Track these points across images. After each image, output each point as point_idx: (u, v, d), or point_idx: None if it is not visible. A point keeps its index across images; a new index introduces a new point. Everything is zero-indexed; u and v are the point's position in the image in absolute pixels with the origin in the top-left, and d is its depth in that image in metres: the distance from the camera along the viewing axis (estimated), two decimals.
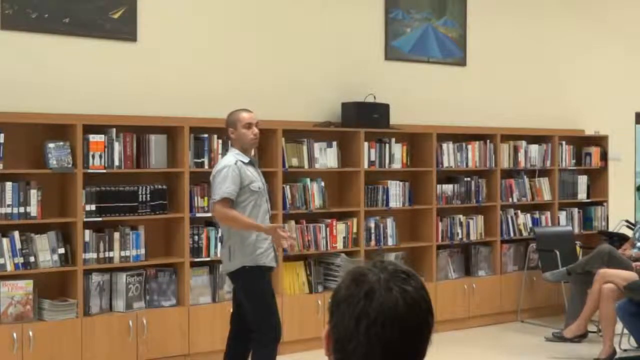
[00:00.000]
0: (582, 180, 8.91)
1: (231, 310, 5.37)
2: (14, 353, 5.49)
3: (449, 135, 7.87)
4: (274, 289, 5.31)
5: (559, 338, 7.14)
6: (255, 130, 5.20)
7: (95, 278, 5.92)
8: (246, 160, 5.11)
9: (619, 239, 8.20)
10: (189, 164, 6.27)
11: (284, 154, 6.73)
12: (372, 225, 7.29)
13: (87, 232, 5.85)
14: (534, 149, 8.47)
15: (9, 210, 5.58)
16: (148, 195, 6.12)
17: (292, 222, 6.81)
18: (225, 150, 6.45)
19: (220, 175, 5.00)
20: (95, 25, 6.15)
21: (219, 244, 6.41)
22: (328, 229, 7.00)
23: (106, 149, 5.94)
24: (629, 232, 8.37)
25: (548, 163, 8.57)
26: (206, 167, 6.40)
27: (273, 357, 5.12)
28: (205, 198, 6.39)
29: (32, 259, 5.66)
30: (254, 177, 5.13)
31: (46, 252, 5.71)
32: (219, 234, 6.40)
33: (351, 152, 7.18)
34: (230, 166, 5.00)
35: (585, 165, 8.94)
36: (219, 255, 6.25)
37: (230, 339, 5.30)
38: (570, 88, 9.05)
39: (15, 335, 5.49)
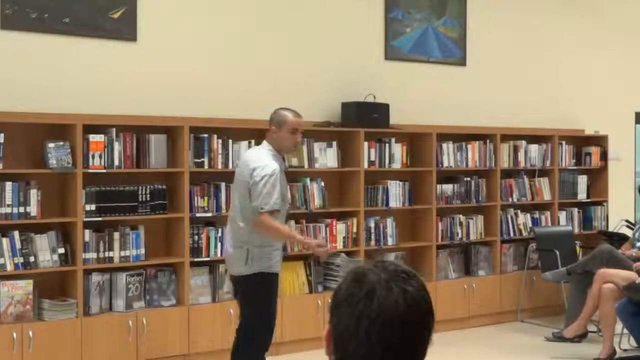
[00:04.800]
0: (582, 180, 8.91)
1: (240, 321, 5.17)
2: (14, 353, 5.49)
3: (449, 135, 7.87)
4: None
5: (559, 338, 7.15)
6: (299, 138, 5.07)
7: (95, 278, 5.92)
8: (283, 167, 5.01)
9: (618, 239, 8.19)
10: (188, 164, 6.27)
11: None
12: (372, 225, 7.29)
13: (87, 232, 5.85)
14: (534, 148, 8.47)
15: (9, 210, 5.58)
16: (148, 195, 6.12)
17: (292, 222, 6.81)
18: (225, 149, 6.46)
19: (270, 182, 4.79)
20: (95, 25, 6.15)
21: (219, 244, 6.41)
22: (328, 229, 7.00)
23: (106, 149, 5.94)
24: (628, 232, 8.37)
25: (548, 163, 8.57)
26: (206, 167, 6.40)
27: None
28: (205, 198, 6.39)
29: (32, 258, 5.66)
30: (287, 186, 5.08)
31: (46, 252, 5.71)
32: (219, 234, 6.40)
33: (351, 152, 7.18)
34: (277, 174, 4.82)
35: (585, 165, 8.94)
36: (223, 253, 6.20)
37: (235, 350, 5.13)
38: (570, 88, 9.05)
39: (15, 335, 5.49)
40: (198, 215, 6.36)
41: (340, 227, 7.08)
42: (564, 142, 8.73)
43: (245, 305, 5.04)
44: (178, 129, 6.28)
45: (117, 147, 5.99)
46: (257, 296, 4.96)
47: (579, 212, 8.86)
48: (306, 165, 6.92)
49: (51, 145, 5.74)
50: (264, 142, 5.07)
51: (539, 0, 8.84)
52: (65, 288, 5.91)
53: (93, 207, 5.89)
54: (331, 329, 1.59)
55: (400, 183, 7.48)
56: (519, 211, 8.38)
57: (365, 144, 7.18)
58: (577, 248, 8.43)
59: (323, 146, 7.03)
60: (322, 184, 7.01)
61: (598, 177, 9.02)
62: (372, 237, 7.29)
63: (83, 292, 5.82)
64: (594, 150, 8.92)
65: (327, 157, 7.05)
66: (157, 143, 6.19)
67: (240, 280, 5.02)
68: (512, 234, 8.29)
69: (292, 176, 6.83)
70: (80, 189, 5.80)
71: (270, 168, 4.82)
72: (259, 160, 4.91)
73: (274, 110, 5.10)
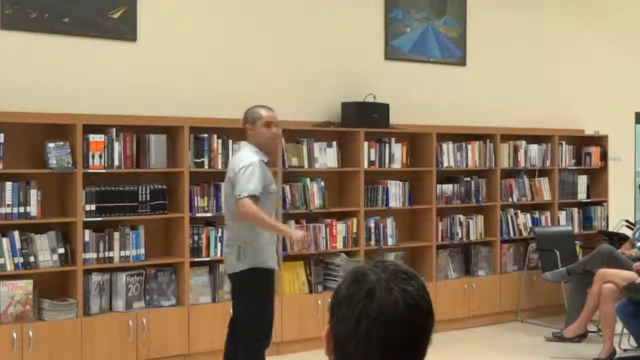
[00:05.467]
0: (582, 180, 8.91)
1: (231, 315, 5.28)
2: (14, 353, 5.49)
3: (449, 135, 7.87)
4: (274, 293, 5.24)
5: (559, 338, 7.14)
6: (274, 129, 5.10)
7: (95, 278, 5.92)
8: (265, 159, 5.06)
9: (618, 239, 8.19)
10: (188, 163, 6.27)
11: (283, 153, 6.73)
12: (372, 225, 7.29)
13: (87, 232, 5.85)
14: (534, 148, 8.47)
15: (9, 210, 5.58)
16: (148, 195, 6.12)
17: (292, 222, 6.81)
18: (225, 149, 6.47)
19: (248, 171, 4.88)
20: (95, 25, 6.15)
21: (219, 244, 6.41)
22: (328, 228, 7.00)
23: (106, 149, 5.94)
24: (628, 232, 8.37)
25: (548, 163, 8.57)
26: (206, 167, 6.40)
27: None
28: (205, 198, 6.40)
29: (32, 258, 5.66)
30: (272, 179, 5.11)
31: (46, 252, 5.71)
32: (219, 234, 6.40)
33: (351, 152, 7.18)
34: (257, 164, 4.90)
35: (585, 165, 8.94)
36: (222, 254, 6.20)
37: (230, 346, 5.18)
38: (570, 88, 9.05)
39: (15, 335, 5.49)
40: (198, 215, 6.36)
41: (340, 227, 7.08)
42: (564, 142, 8.73)
43: (242, 303, 5.06)
44: (178, 129, 6.28)
45: (117, 147, 5.99)
46: (252, 292, 4.99)
47: (579, 212, 8.86)
48: (306, 165, 6.92)
49: (51, 145, 5.74)
50: (245, 143, 5.23)
51: (539, 0, 8.84)
52: (65, 288, 5.91)
53: (93, 207, 5.89)
54: (331, 329, 1.59)
55: (400, 183, 7.48)
56: (519, 211, 8.38)
57: (365, 144, 7.18)
58: (577, 248, 8.43)
59: (323, 146, 7.04)
60: (322, 184, 7.01)
61: (598, 177, 9.02)
62: (372, 237, 7.29)
63: (83, 292, 5.82)
64: (594, 150, 8.92)
65: (327, 157, 7.05)
66: (157, 143, 6.19)
67: (235, 277, 5.07)
68: (512, 234, 8.29)
69: (292, 176, 6.85)
70: (80, 189, 5.80)
71: (248, 160, 4.94)
72: (239, 157, 5.10)
73: (246, 110, 5.20)
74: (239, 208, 4.90)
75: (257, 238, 4.95)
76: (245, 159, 4.96)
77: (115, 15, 6.23)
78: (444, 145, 7.76)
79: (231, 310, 5.32)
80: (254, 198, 4.86)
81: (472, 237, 7.98)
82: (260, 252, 4.96)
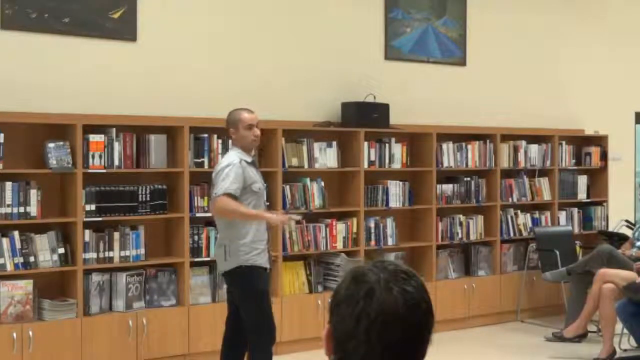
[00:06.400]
0: (582, 180, 8.91)
1: (227, 312, 5.34)
2: (14, 353, 5.49)
3: (449, 135, 7.87)
4: (269, 291, 5.27)
5: (559, 338, 7.14)
6: (257, 131, 5.19)
7: (95, 278, 5.92)
8: (249, 160, 5.12)
9: (618, 239, 8.19)
10: (188, 163, 6.27)
11: (284, 153, 6.73)
12: (372, 225, 7.29)
13: (87, 232, 5.85)
14: (534, 148, 8.47)
15: (9, 210, 5.58)
16: (148, 195, 6.12)
17: (292, 222, 6.80)
18: (225, 149, 6.46)
19: (224, 172, 4.98)
20: (95, 25, 6.15)
21: None
22: (328, 228, 7.00)
23: (106, 149, 5.94)
24: (628, 232, 8.37)
25: (548, 163, 8.57)
26: (206, 167, 6.40)
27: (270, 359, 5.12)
28: (205, 198, 6.39)
29: (32, 258, 5.66)
30: (256, 178, 5.13)
31: (46, 252, 5.71)
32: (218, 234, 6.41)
33: (351, 152, 7.18)
34: (235, 164, 4.98)
35: (585, 165, 8.94)
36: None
37: (225, 342, 5.27)
38: (570, 88, 9.05)
39: (15, 335, 5.49)
40: (198, 215, 6.36)
41: (340, 227, 7.07)
42: (564, 142, 8.73)
43: (241, 303, 5.12)
44: (178, 129, 6.28)
45: (117, 147, 5.99)
46: (244, 291, 5.08)
47: (579, 212, 8.86)
48: (306, 165, 6.92)
49: (51, 145, 5.74)
50: (231, 146, 5.31)
51: (539, 0, 8.84)
52: (65, 288, 5.91)
53: (93, 207, 5.89)
54: (331, 329, 1.59)
55: (400, 183, 7.48)
56: (519, 211, 8.38)
57: (365, 144, 7.18)
58: (577, 248, 8.43)
59: (323, 146, 7.03)
60: (322, 184, 7.01)
61: (598, 177, 9.02)
62: (372, 237, 7.29)
63: (83, 292, 5.82)
64: (594, 150, 8.92)
65: (327, 157, 7.05)
66: (157, 143, 6.19)
67: (225, 276, 5.20)
68: (512, 234, 8.29)
69: (292, 176, 6.85)
70: (80, 189, 5.80)
71: (226, 162, 5.07)
72: (220, 160, 5.27)
73: (228, 114, 5.27)
74: (215, 206, 5.07)
75: (240, 237, 5.02)
76: (224, 162, 5.10)
77: (115, 15, 6.23)
78: (444, 145, 7.76)
79: (227, 308, 5.38)
80: (229, 197, 4.95)
81: (472, 237, 7.98)
82: (246, 251, 5.02)
